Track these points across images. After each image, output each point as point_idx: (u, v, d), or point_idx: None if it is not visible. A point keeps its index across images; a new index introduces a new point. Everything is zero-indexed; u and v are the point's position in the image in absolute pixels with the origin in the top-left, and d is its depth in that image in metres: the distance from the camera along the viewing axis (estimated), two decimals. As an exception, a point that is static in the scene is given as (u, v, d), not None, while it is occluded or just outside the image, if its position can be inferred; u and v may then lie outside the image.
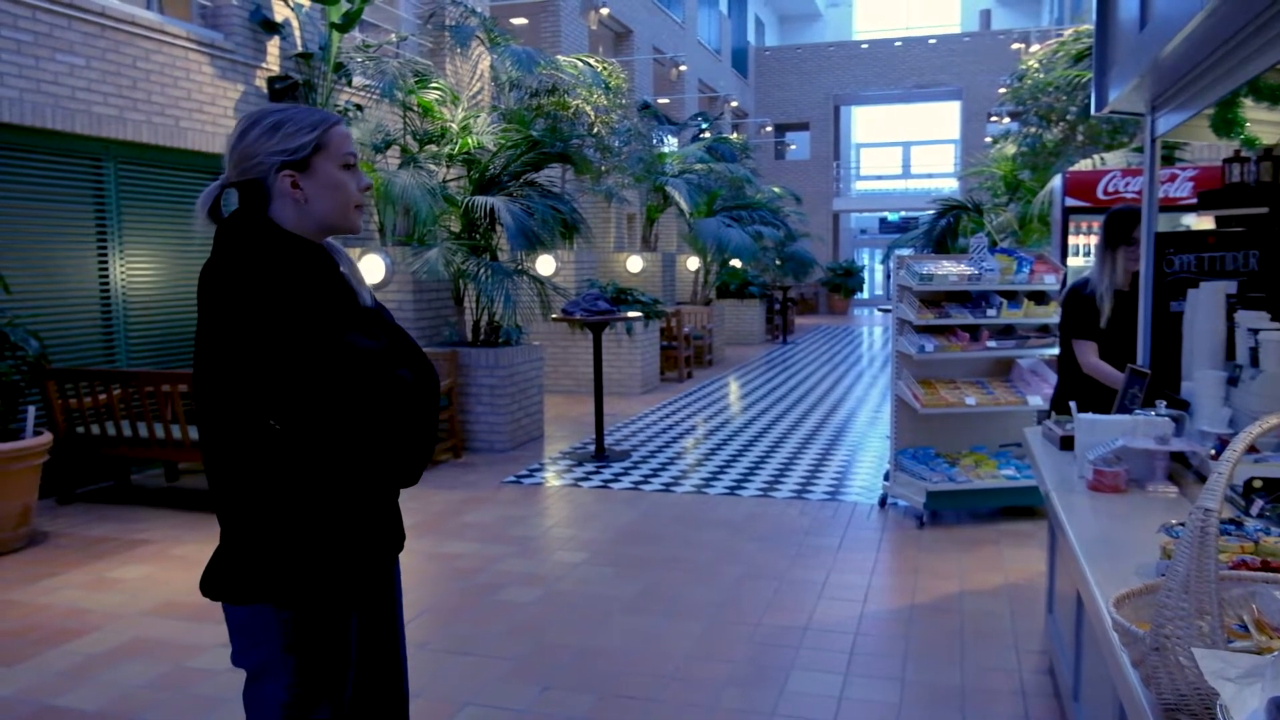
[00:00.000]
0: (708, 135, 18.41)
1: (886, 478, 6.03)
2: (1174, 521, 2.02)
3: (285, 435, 1.63)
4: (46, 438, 5.51)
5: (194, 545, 5.33)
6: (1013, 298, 5.64)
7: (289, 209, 1.73)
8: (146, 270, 7.13)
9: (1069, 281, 5.29)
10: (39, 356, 5.74)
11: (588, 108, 10.74)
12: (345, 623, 1.79)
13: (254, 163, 1.71)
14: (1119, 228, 3.79)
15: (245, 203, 1.73)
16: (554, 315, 8.12)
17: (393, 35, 9.67)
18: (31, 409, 5.56)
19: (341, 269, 1.78)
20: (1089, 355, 3.86)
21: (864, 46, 29.13)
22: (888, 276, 24.14)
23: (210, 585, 1.75)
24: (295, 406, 1.61)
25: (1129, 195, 6.72)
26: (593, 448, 7.83)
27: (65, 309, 6.54)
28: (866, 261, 34.03)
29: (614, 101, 11.44)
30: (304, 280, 1.66)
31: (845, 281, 28.09)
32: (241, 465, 1.67)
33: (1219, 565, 1.25)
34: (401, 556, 1.98)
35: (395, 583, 1.99)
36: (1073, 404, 3.13)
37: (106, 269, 6.81)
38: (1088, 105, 8.68)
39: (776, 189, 20.52)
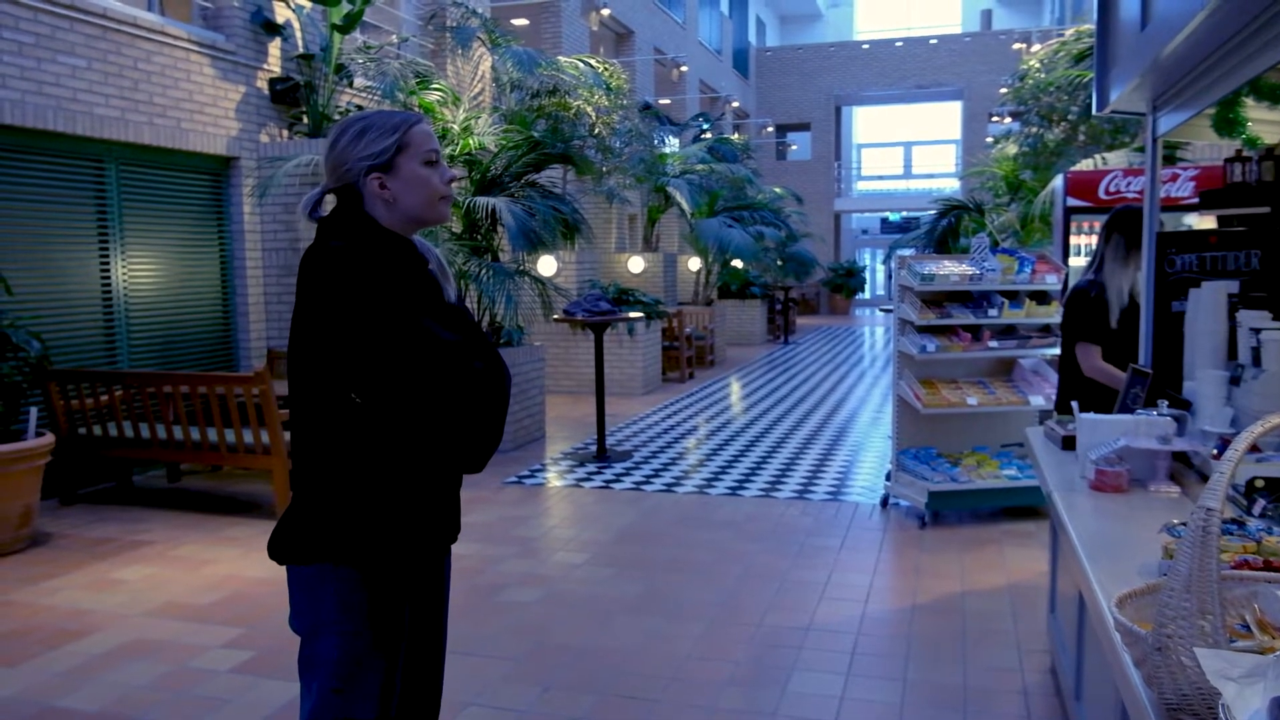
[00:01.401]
0: (709, 136, 18.42)
1: (888, 478, 6.02)
2: (1176, 521, 2.02)
3: (364, 409, 1.75)
4: (48, 439, 5.51)
5: (196, 546, 5.34)
6: (1014, 298, 5.64)
7: (380, 207, 1.85)
8: (148, 271, 7.13)
9: (1071, 282, 5.28)
10: (41, 357, 5.74)
11: (589, 108, 10.74)
12: (402, 593, 1.88)
13: (345, 169, 1.84)
14: (1134, 229, 3.73)
15: (344, 203, 1.86)
16: (555, 316, 8.12)
17: (394, 36, 9.68)
18: (34, 410, 5.56)
19: (430, 266, 1.92)
20: (1093, 358, 3.84)
21: (865, 47, 29.12)
22: (889, 277, 24.16)
23: (277, 547, 1.84)
24: (376, 383, 1.72)
25: (1130, 195, 6.72)
26: (594, 448, 7.82)
27: (67, 310, 6.54)
28: (868, 262, 34.02)
29: (615, 102, 11.44)
30: (395, 269, 1.79)
31: (847, 282, 28.09)
32: (321, 434, 1.80)
33: (1221, 565, 1.25)
34: None
35: (446, 574, 2.07)
36: (1074, 404, 3.13)
37: (108, 270, 6.82)
38: (1089, 105, 8.68)
39: (778, 189, 20.53)
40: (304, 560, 1.82)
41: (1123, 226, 3.83)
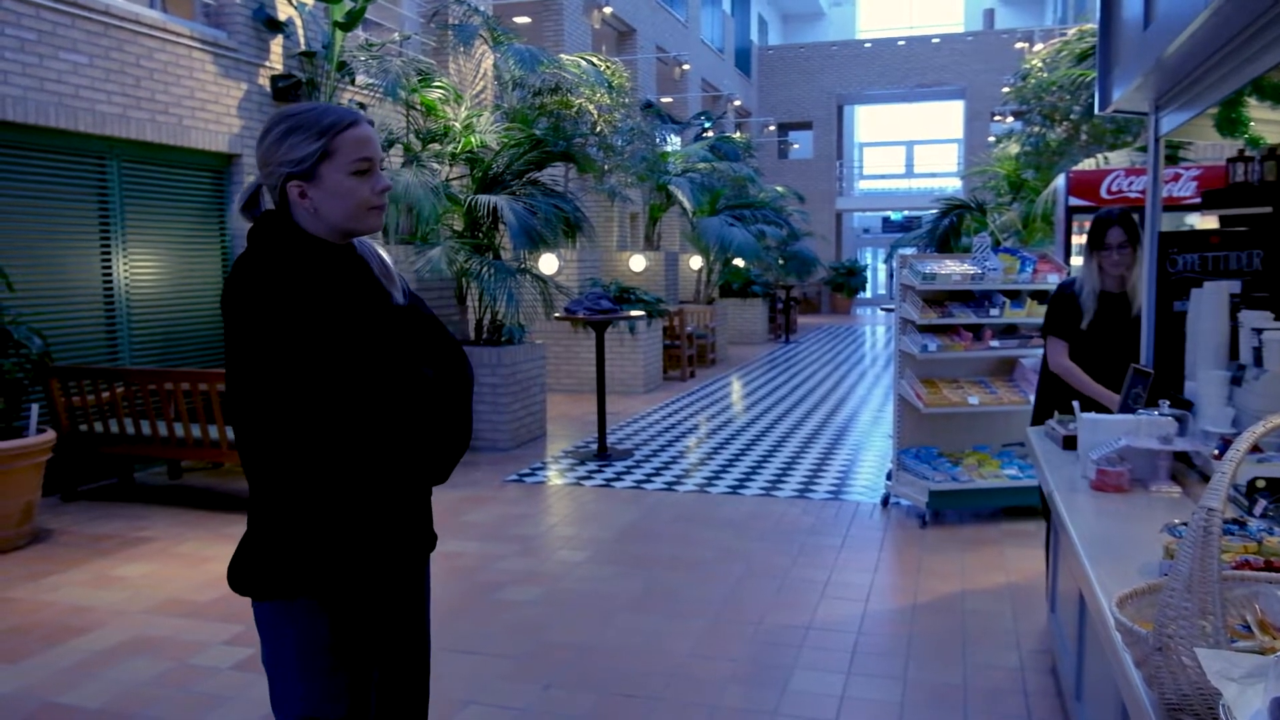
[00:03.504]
0: (711, 134, 18.41)
1: (889, 477, 6.02)
2: (1177, 521, 2.02)
3: (306, 434, 1.64)
4: (50, 435, 5.52)
5: (197, 543, 5.34)
6: (1016, 297, 5.63)
7: (304, 215, 1.73)
8: (150, 268, 7.14)
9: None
10: (42, 354, 5.75)
11: (591, 107, 10.73)
12: (369, 622, 1.79)
13: (267, 171, 1.73)
14: (1092, 232, 3.80)
15: (278, 204, 1.76)
16: (557, 314, 8.12)
17: (396, 34, 9.67)
18: (35, 406, 5.57)
19: (373, 269, 1.80)
20: (1058, 355, 3.87)
21: (867, 45, 29.09)
22: (890, 276, 24.14)
23: (236, 579, 1.77)
24: (310, 408, 1.62)
25: (1132, 195, 6.71)
26: (595, 446, 7.83)
27: (69, 307, 6.55)
28: (869, 261, 34.00)
29: (617, 100, 11.43)
30: (324, 284, 1.67)
31: (848, 281, 28.07)
32: (266, 462, 1.69)
33: (1222, 565, 1.25)
34: None
35: (425, 585, 1.98)
36: (1075, 404, 3.13)
37: (110, 267, 6.82)
38: (1091, 104, 8.67)
39: (779, 188, 20.51)
40: (260, 596, 1.73)
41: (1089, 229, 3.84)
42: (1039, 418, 3.85)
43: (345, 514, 1.70)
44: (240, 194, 1.79)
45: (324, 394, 1.61)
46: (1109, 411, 3.25)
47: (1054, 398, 3.80)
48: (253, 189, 1.79)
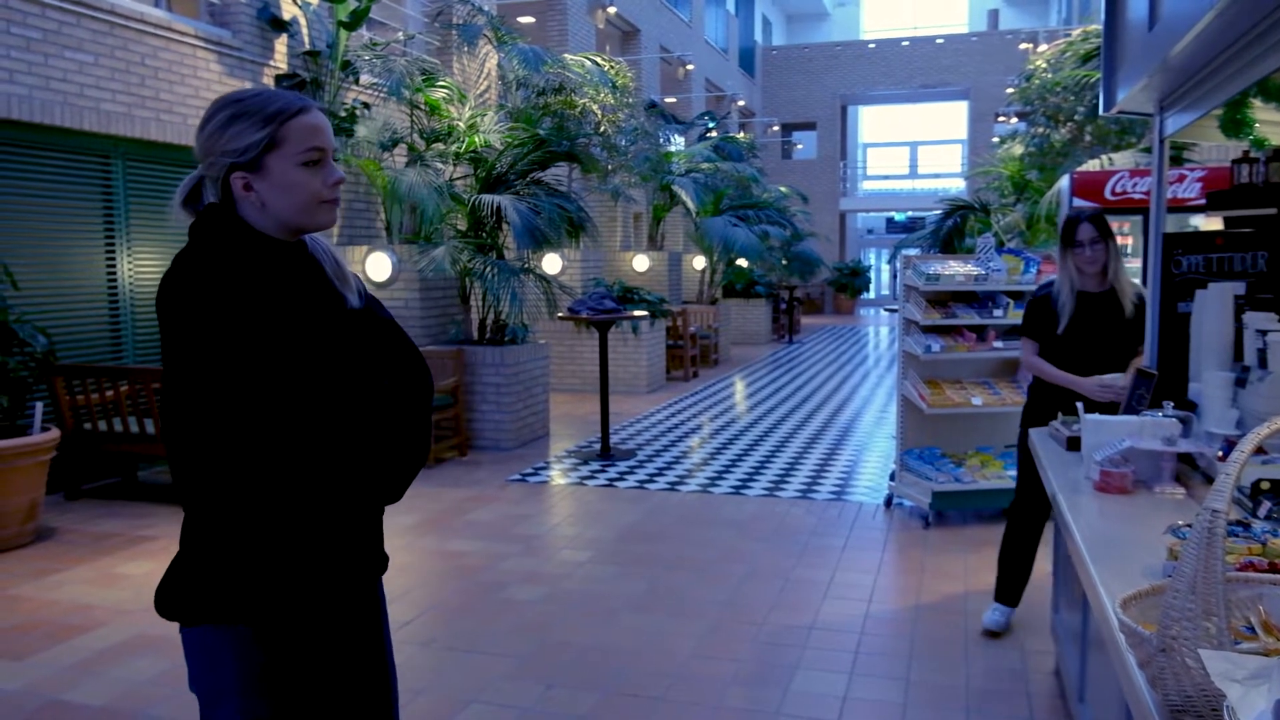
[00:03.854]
0: (714, 134, 18.41)
1: (892, 478, 6.02)
2: (1181, 523, 2.01)
3: (240, 446, 1.50)
4: (54, 434, 5.53)
5: (200, 542, 5.35)
6: (1020, 298, 5.63)
7: (250, 209, 1.59)
8: (154, 267, 7.15)
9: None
10: (47, 352, 5.75)
11: (594, 106, 10.74)
12: (310, 651, 1.64)
13: (209, 162, 1.58)
14: (1064, 232, 3.74)
15: (222, 198, 1.60)
16: (560, 314, 8.12)
17: (400, 33, 9.68)
18: (39, 405, 5.58)
19: (325, 269, 1.66)
20: (1027, 353, 3.90)
21: (871, 46, 29.08)
22: (894, 276, 24.14)
23: (163, 603, 1.62)
24: (244, 418, 1.48)
25: (1137, 196, 6.70)
26: (598, 446, 7.83)
27: (73, 305, 6.56)
28: (873, 261, 33.98)
29: (621, 100, 11.44)
30: (268, 285, 1.54)
31: (851, 281, 28.05)
32: (198, 475, 1.55)
33: (1226, 567, 1.25)
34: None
35: (379, 608, 1.82)
36: (1079, 405, 3.13)
37: (114, 266, 6.83)
38: (1096, 105, 8.66)
39: (783, 188, 20.50)
40: (189, 620, 1.58)
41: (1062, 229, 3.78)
42: (1030, 418, 3.85)
43: (285, 534, 1.55)
44: (180, 186, 1.62)
45: (259, 404, 1.48)
46: (1085, 399, 3.34)
47: (1041, 400, 3.85)
48: (194, 180, 1.62)
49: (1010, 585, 4.02)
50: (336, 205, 1.65)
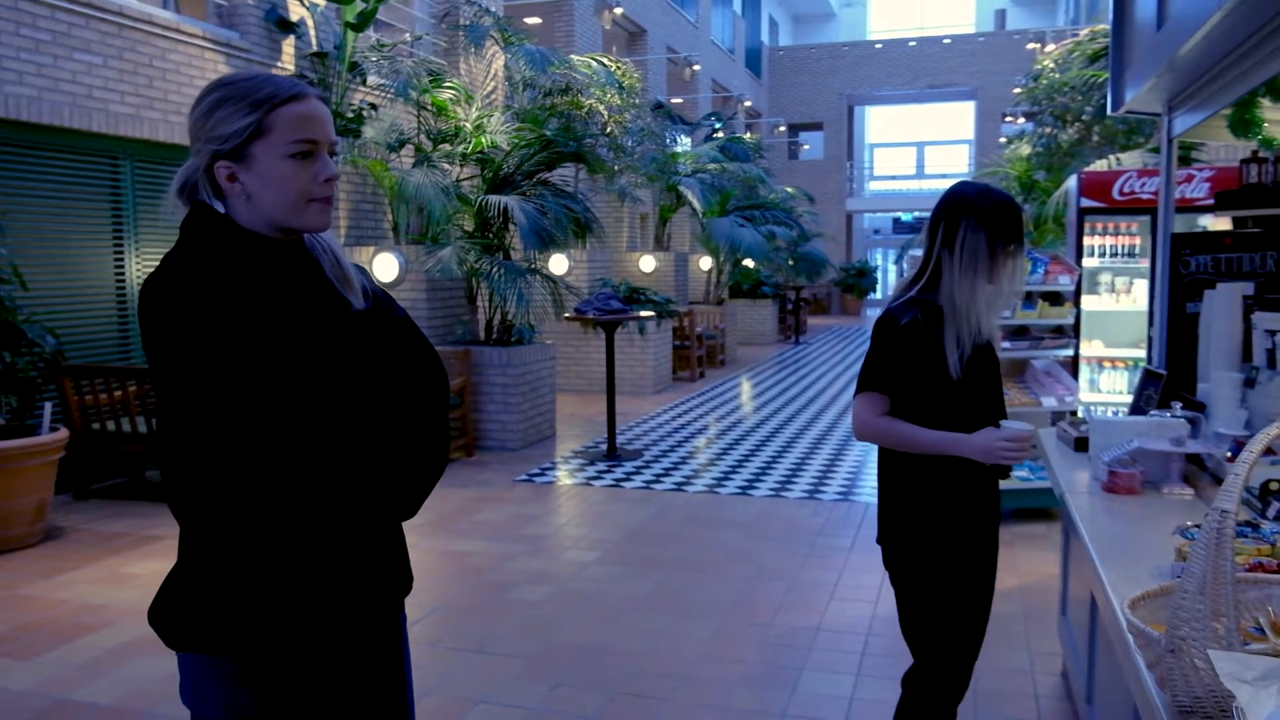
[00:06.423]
0: (721, 135, 18.40)
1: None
2: (1189, 524, 2.01)
3: (228, 462, 1.38)
4: (63, 434, 5.55)
5: (208, 541, 5.36)
6: (1027, 299, 5.61)
7: (238, 202, 1.46)
8: (162, 268, 7.17)
9: (1085, 284, 5.20)
10: (55, 353, 5.78)
11: (601, 107, 10.75)
12: (314, 683, 1.50)
13: (195, 148, 1.46)
14: (1001, 224, 2.27)
15: (212, 190, 1.49)
16: (567, 314, 8.13)
17: (407, 35, 9.70)
18: (48, 405, 5.59)
19: (324, 269, 1.52)
20: (867, 411, 2.42)
21: (878, 46, 29.05)
22: (901, 277, 24.10)
23: (155, 619, 1.51)
24: (232, 431, 1.36)
25: (1145, 196, 6.68)
26: (605, 447, 7.83)
27: (82, 306, 6.58)
28: (880, 262, 33.92)
29: (627, 101, 11.44)
30: (255, 288, 1.42)
31: (858, 282, 28.03)
32: (187, 489, 1.44)
33: (1235, 567, 1.25)
34: (413, 554, 1.74)
35: (399, 634, 1.66)
36: (1083, 405, 3.11)
37: (122, 266, 6.85)
38: (1103, 105, 8.63)
39: (790, 189, 20.49)
40: (175, 644, 1.48)
41: (976, 210, 2.24)
42: (915, 518, 2.43)
43: (278, 556, 1.42)
44: (177, 175, 1.49)
45: (244, 415, 1.36)
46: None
47: (923, 482, 2.41)
48: (189, 170, 1.48)
49: None
50: (328, 205, 1.49)
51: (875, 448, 2.52)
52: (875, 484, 2.59)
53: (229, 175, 1.44)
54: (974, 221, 2.22)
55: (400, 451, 1.50)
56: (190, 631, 1.45)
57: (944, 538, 2.31)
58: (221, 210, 1.47)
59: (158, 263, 1.49)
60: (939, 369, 2.24)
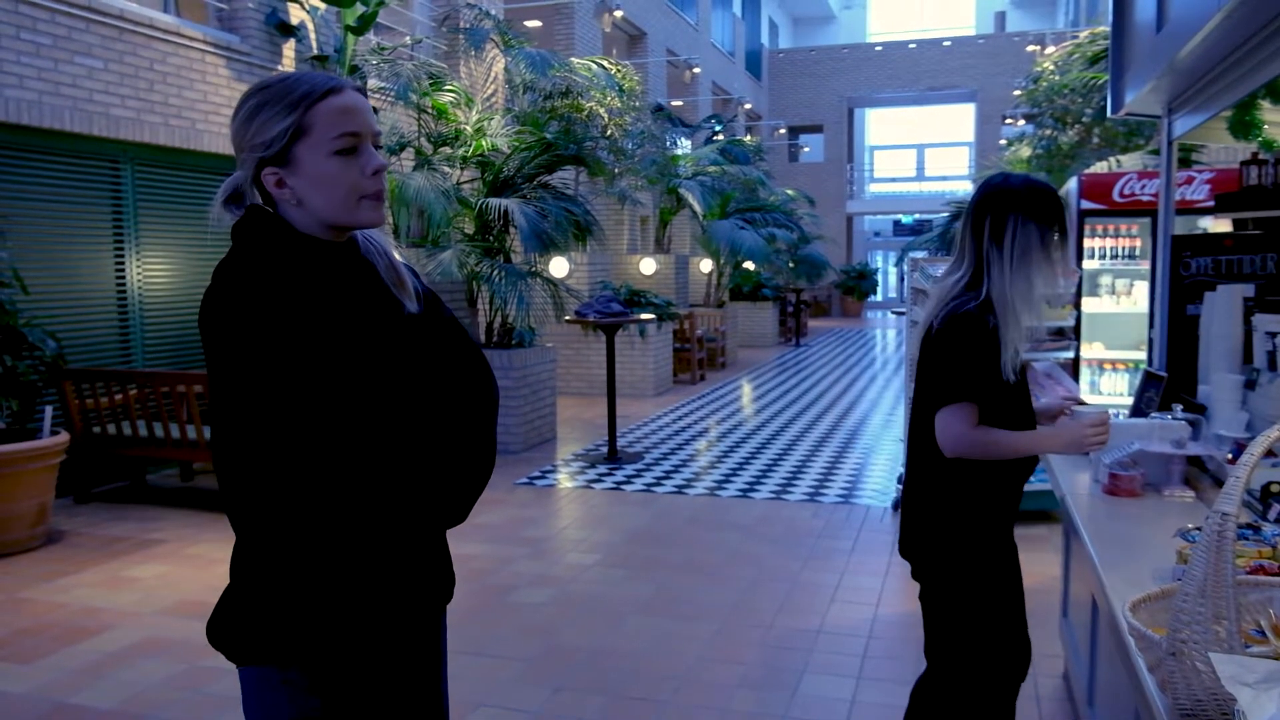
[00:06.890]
0: (721, 138, 18.41)
1: (900, 481, 6.00)
2: (1190, 526, 2.01)
3: (291, 471, 1.37)
4: (63, 437, 5.55)
5: (208, 545, 5.36)
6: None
7: (289, 208, 1.45)
8: (163, 272, 7.17)
9: (1082, 291, 5.15)
10: (56, 357, 5.78)
11: (601, 110, 10.75)
12: (369, 692, 1.52)
13: (241, 158, 1.44)
14: (1053, 214, 2.30)
15: (262, 196, 1.48)
16: (567, 317, 8.13)
17: (407, 38, 9.71)
18: (49, 409, 5.60)
19: (379, 272, 1.52)
20: (967, 426, 2.13)
21: (878, 49, 29.07)
22: (901, 279, 24.09)
23: (215, 635, 1.51)
24: (295, 442, 1.36)
25: (1145, 198, 6.68)
26: (605, 450, 7.83)
27: (82, 310, 6.58)
28: (880, 264, 33.95)
29: (627, 104, 11.45)
30: (314, 293, 1.41)
31: (859, 284, 28.03)
32: (249, 502, 1.41)
33: (1236, 570, 1.25)
34: None
35: (439, 639, 1.68)
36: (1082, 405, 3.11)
37: (123, 270, 6.86)
38: (1103, 107, 8.64)
39: (790, 191, 20.49)
40: (239, 660, 1.49)
41: (1024, 203, 2.19)
42: (974, 541, 2.23)
43: (341, 565, 1.42)
44: (223, 186, 1.46)
45: (310, 423, 1.36)
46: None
47: (987, 497, 2.24)
48: (236, 180, 1.46)
49: None
50: (380, 200, 1.47)
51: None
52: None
53: (277, 181, 1.43)
54: (1023, 215, 2.17)
55: (453, 456, 1.49)
56: (257, 645, 1.45)
57: (994, 551, 2.22)
58: (274, 215, 1.46)
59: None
60: (997, 366, 2.15)
